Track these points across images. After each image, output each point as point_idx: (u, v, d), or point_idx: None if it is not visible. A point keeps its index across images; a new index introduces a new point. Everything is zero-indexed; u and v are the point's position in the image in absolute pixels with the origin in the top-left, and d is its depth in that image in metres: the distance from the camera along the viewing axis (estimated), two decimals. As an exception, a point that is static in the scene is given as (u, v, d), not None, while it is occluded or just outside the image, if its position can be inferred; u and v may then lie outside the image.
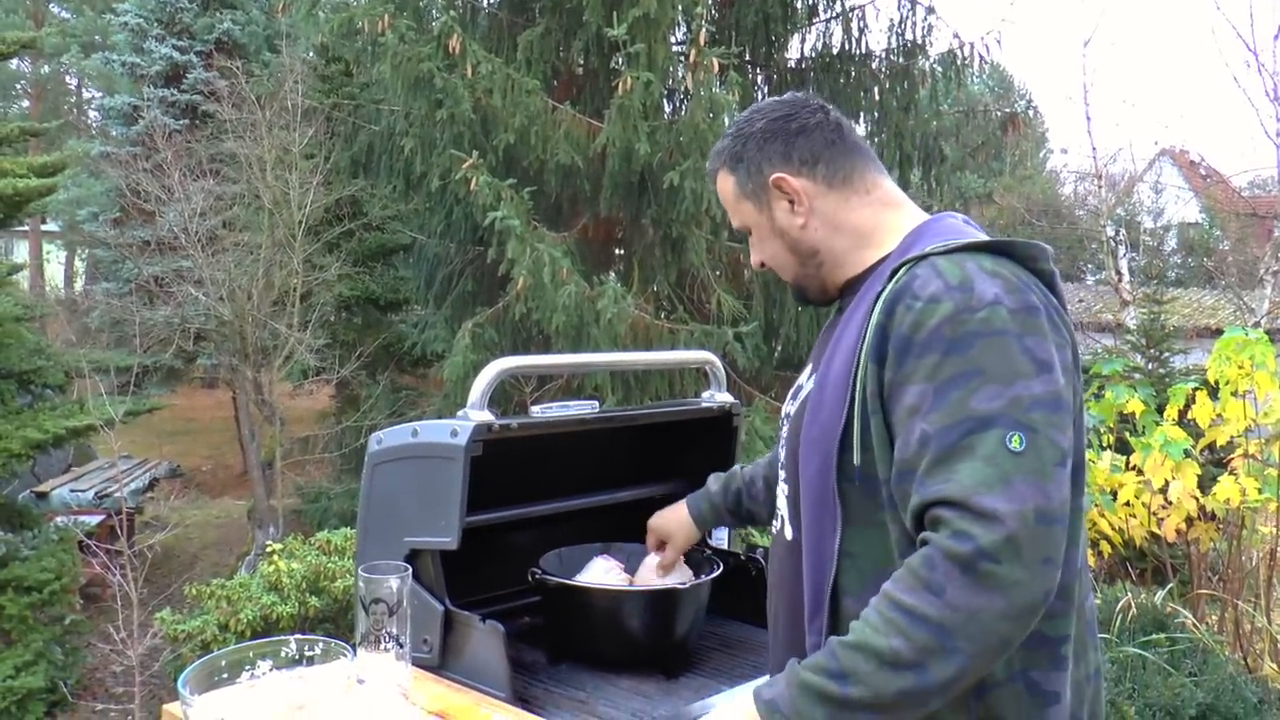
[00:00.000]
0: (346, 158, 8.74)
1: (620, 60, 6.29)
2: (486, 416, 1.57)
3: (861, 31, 8.15)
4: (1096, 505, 3.84)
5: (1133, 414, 4.04)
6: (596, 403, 1.80)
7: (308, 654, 1.33)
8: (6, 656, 5.73)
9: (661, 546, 1.79)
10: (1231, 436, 3.81)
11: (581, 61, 7.48)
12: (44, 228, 19.66)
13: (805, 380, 1.40)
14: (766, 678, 1.23)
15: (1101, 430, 4.15)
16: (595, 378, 6.18)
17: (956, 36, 7.98)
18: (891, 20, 8.12)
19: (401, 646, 1.39)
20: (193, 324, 9.45)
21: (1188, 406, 3.89)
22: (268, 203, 8.87)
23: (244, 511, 10.08)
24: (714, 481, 1.79)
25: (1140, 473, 3.79)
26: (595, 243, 7.45)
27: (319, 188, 8.94)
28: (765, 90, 8.19)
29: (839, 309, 1.42)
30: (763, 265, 1.46)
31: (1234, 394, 3.70)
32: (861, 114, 8.09)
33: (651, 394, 6.43)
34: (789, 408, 1.42)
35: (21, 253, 20.68)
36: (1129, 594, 3.50)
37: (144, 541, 7.08)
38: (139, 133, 11.87)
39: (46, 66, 21.15)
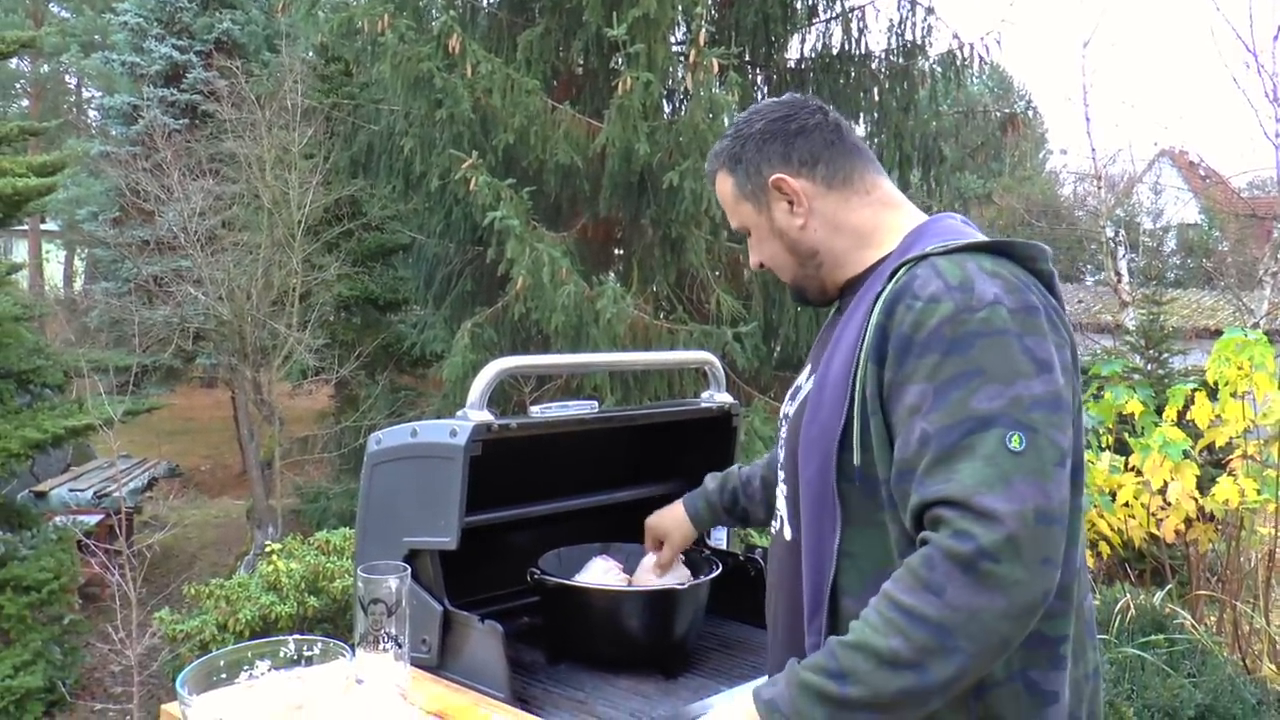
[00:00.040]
0: (346, 157, 8.74)
1: (620, 60, 6.29)
2: (486, 416, 1.57)
3: (861, 32, 8.16)
4: (1095, 506, 3.84)
5: (1132, 415, 4.04)
6: (595, 403, 1.80)
7: (306, 654, 1.33)
8: (5, 656, 5.73)
9: (659, 546, 1.80)
10: (1230, 437, 3.82)
11: (581, 61, 7.48)
12: (43, 227, 19.67)
13: (804, 381, 1.40)
14: (765, 678, 1.23)
15: (1100, 431, 4.15)
16: (594, 378, 6.18)
17: (956, 37, 8.00)
18: (891, 21, 8.14)
19: (400, 647, 1.39)
20: (192, 324, 9.45)
21: (1187, 407, 3.89)
22: (267, 202, 8.86)
23: (243, 511, 10.08)
24: (711, 480, 1.79)
25: (1139, 474, 3.80)
26: (594, 243, 7.45)
27: (318, 187, 8.94)
28: (765, 91, 8.19)
29: (838, 309, 1.42)
30: (761, 266, 1.46)
31: (1233, 395, 3.70)
32: (861, 114, 8.09)
33: (651, 394, 6.43)
34: (787, 408, 1.42)
35: (21, 252, 20.70)
36: (1128, 595, 3.51)
37: (143, 541, 7.07)
38: (138, 132, 11.87)
39: (46, 66, 21.17)
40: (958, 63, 7.96)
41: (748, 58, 8.01)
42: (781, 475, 1.41)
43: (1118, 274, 13.14)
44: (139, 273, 10.39)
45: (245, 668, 1.31)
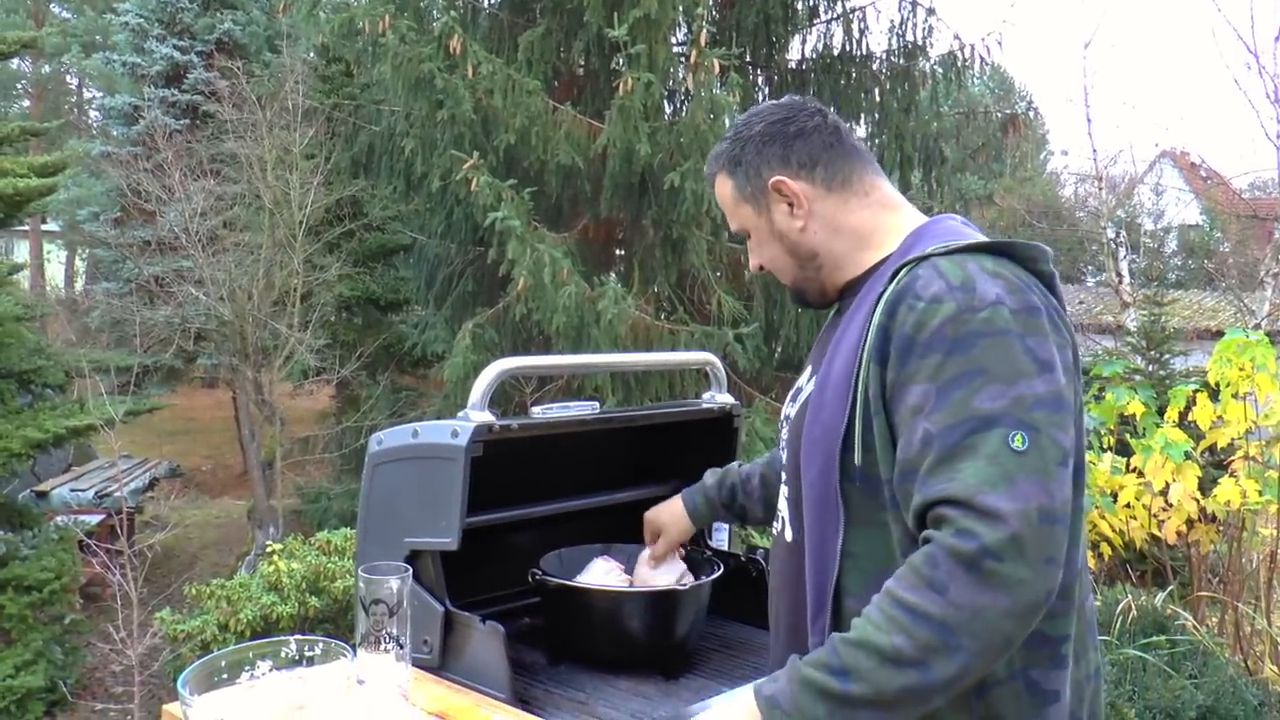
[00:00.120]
0: (347, 158, 8.74)
1: (621, 61, 6.29)
2: (487, 417, 1.57)
3: (862, 33, 8.15)
4: (1097, 507, 3.83)
5: (1133, 416, 4.04)
6: (597, 404, 1.80)
7: (307, 654, 1.33)
8: (6, 656, 5.73)
9: (656, 539, 1.80)
10: (1232, 438, 3.81)
11: (582, 62, 7.48)
12: (44, 227, 19.66)
13: (805, 382, 1.40)
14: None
15: (1102, 432, 4.15)
16: (595, 379, 6.18)
17: (957, 38, 7.99)
18: (892, 22, 8.14)
19: (401, 647, 1.39)
20: (193, 324, 9.46)
21: (1188, 408, 3.89)
22: (268, 203, 8.87)
23: (244, 511, 10.09)
24: (710, 476, 1.80)
25: (1141, 475, 3.79)
26: (596, 243, 7.45)
27: (319, 188, 8.94)
28: (766, 91, 8.19)
29: (838, 311, 1.42)
30: (761, 268, 1.46)
31: (1234, 396, 3.70)
32: (862, 115, 8.09)
33: (652, 395, 6.43)
34: (789, 410, 1.42)
35: (22, 252, 20.68)
36: (1129, 596, 3.50)
37: (144, 541, 7.08)
38: (139, 133, 11.87)
39: (47, 66, 21.16)
40: (959, 64, 7.95)
41: (749, 58, 8.01)
42: (783, 477, 1.41)
43: (1119, 275, 13.14)
44: (140, 273, 10.40)
45: (246, 668, 1.30)
